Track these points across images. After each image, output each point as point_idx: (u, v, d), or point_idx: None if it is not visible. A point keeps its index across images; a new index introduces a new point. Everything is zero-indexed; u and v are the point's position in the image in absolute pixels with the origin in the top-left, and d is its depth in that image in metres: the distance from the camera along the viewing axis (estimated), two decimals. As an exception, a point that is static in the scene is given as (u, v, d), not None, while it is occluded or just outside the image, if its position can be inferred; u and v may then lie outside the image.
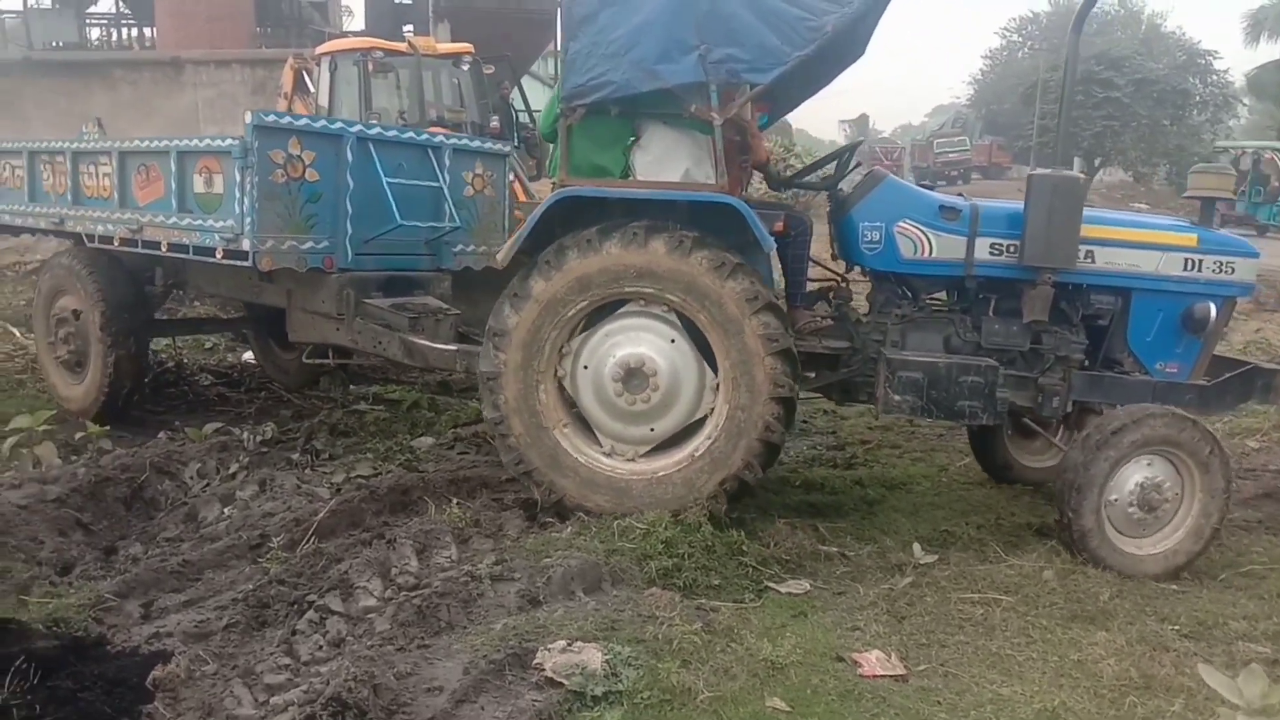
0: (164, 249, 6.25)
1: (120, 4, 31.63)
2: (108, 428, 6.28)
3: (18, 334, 9.22)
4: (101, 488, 5.18)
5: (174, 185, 6.11)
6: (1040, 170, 4.89)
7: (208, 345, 9.21)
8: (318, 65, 12.70)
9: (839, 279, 5.34)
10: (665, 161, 4.78)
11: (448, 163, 6.56)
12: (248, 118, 5.68)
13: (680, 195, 4.66)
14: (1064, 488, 4.55)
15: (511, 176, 7.64)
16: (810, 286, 5.32)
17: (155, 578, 4.27)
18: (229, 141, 5.75)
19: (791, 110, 6.17)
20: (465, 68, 12.80)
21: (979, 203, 5.01)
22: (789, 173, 5.82)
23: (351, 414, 6.90)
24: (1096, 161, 43.21)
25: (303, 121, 5.97)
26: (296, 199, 5.81)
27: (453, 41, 15.34)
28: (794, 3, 4.44)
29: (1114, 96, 39.32)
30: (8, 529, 4.61)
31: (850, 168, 5.57)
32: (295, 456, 5.88)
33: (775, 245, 4.73)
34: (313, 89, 12.89)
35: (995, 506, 5.46)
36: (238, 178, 5.64)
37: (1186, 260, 4.83)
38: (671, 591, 3.94)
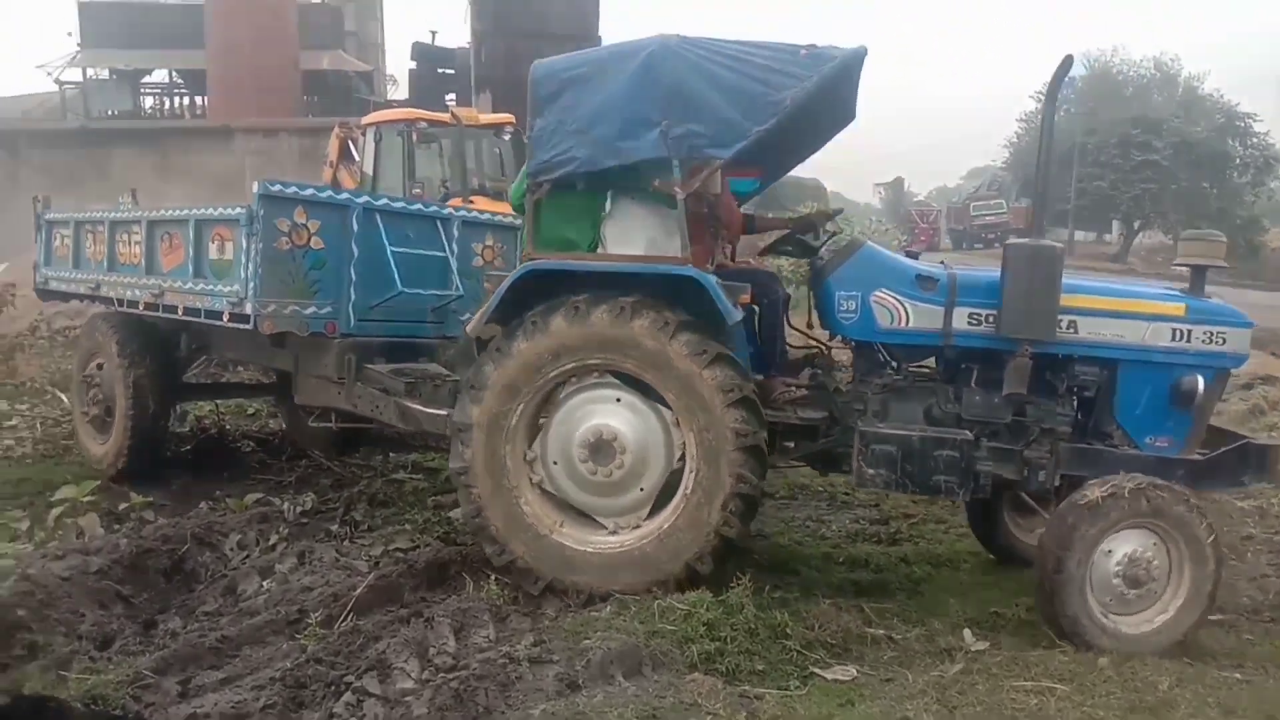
0: (180, 313, 6.50)
1: (173, 74, 32.72)
2: (150, 499, 6.33)
3: (65, 399, 9.38)
4: (143, 559, 5.20)
5: (191, 252, 6.36)
6: (1017, 240, 4.84)
7: (250, 411, 9.31)
8: (363, 135, 13.02)
9: (822, 347, 5.34)
10: (632, 234, 4.81)
11: (456, 234, 6.77)
12: (255, 187, 5.91)
13: (642, 268, 4.67)
14: (1043, 568, 4.41)
15: None
16: (795, 354, 5.32)
17: (193, 654, 4.25)
18: (238, 210, 5.97)
19: (785, 175, 6.19)
20: (507, 137, 13.08)
21: (957, 271, 4.95)
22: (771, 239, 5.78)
23: (391, 483, 6.91)
24: (1136, 224, 42.99)
25: (308, 191, 6.16)
26: (300, 265, 5.98)
27: (494, 111, 15.68)
28: (753, 78, 4.49)
29: (1153, 160, 39.18)
30: (50, 601, 4.62)
31: (830, 234, 5.57)
32: (334, 528, 5.89)
33: (740, 316, 4.64)
34: (358, 157, 13.19)
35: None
36: (244, 244, 5.86)
37: (1174, 330, 4.70)
38: (714, 678, 3.84)
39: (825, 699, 3.86)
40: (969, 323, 4.79)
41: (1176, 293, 4.87)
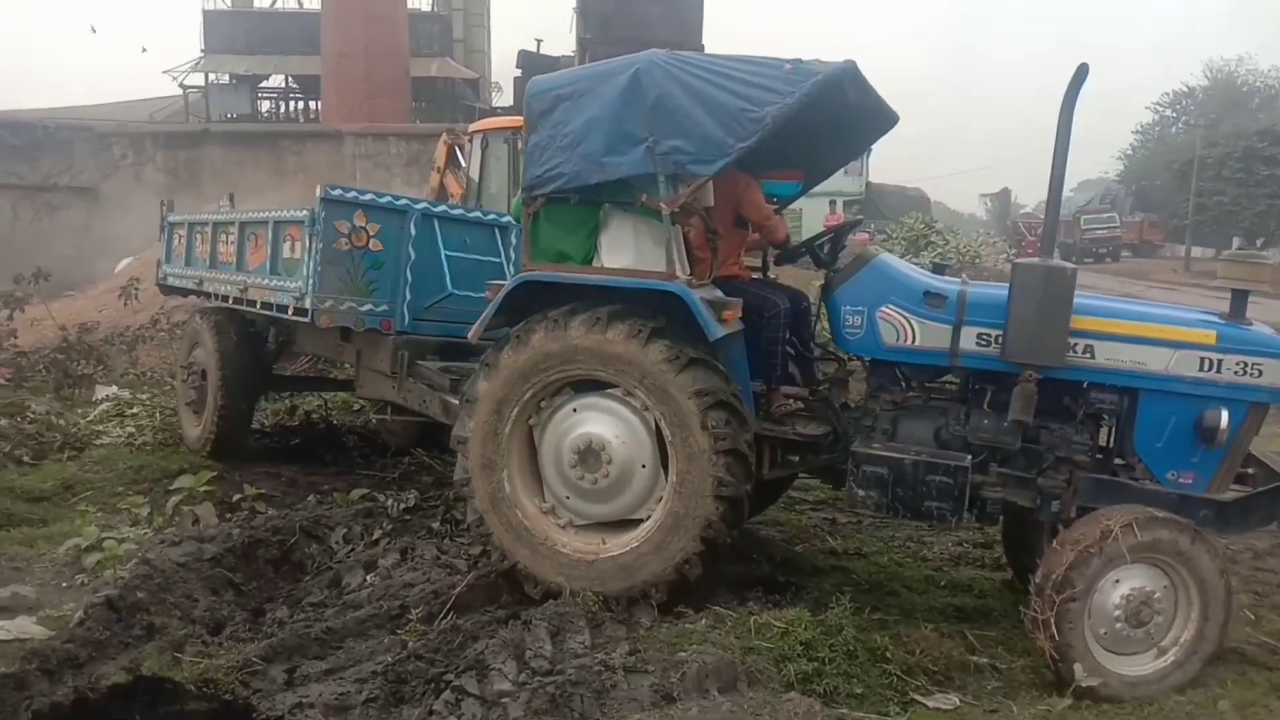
0: (258, 306, 7.08)
1: (289, 80, 33.94)
2: (262, 490, 6.56)
3: (181, 389, 9.79)
4: (253, 549, 5.39)
5: (269, 251, 6.89)
6: (1026, 259, 4.58)
7: (356, 407, 9.57)
8: (470, 141, 13.25)
9: (840, 362, 5.22)
10: (624, 247, 4.82)
11: (514, 240, 6.96)
12: (318, 191, 6.30)
13: (627, 282, 4.68)
14: (1039, 600, 4.11)
15: None
16: (827, 369, 5.23)
17: (299, 643, 4.38)
18: (303, 212, 6.39)
19: (827, 178, 6.08)
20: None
21: (969, 288, 4.73)
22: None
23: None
24: (1259, 242, 41.03)
25: (368, 196, 6.53)
26: (359, 265, 6.40)
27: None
28: (736, 94, 4.43)
29: (1279, 174, 37.36)
30: (167, 586, 4.82)
31: (843, 246, 5.37)
32: (436, 525, 5.99)
33: (721, 332, 4.51)
34: (464, 164, 13.43)
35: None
36: (308, 244, 6.30)
37: (1203, 360, 4.35)
38: (811, 699, 3.77)
39: (925, 727, 3.76)
40: (978, 343, 4.60)
41: (1214, 318, 4.54)
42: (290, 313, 6.61)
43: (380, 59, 25.95)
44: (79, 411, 9.34)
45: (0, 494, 6.68)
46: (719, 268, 4.99)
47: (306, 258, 6.34)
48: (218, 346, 7.50)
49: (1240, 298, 4.50)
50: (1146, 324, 4.49)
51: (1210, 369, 4.34)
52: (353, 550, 5.56)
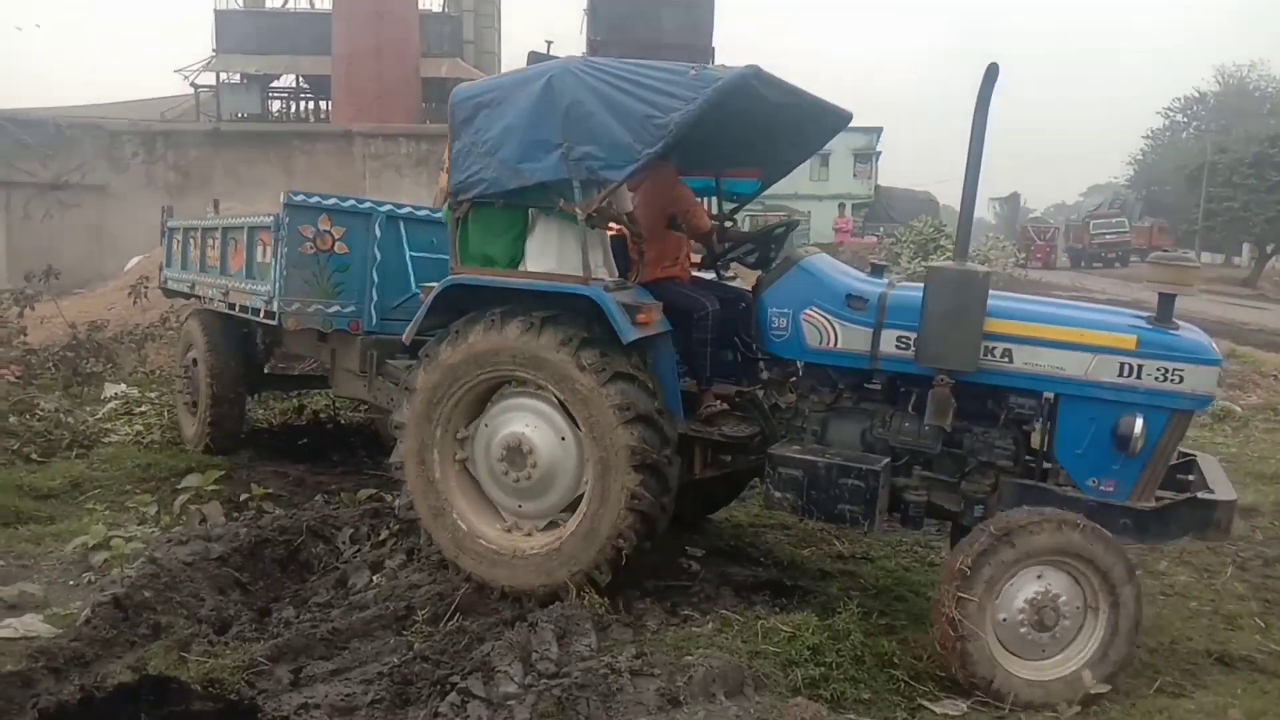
0: (236, 309, 7.32)
1: (300, 80, 34.00)
2: (269, 490, 6.56)
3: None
4: (260, 548, 5.39)
5: (246, 255, 7.12)
6: (939, 263, 4.56)
7: (364, 407, 9.56)
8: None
9: (780, 363, 5.17)
10: (547, 252, 4.90)
11: None
12: (282, 197, 6.50)
13: (544, 286, 4.75)
14: (944, 599, 4.04)
15: None
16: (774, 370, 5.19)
17: (305, 644, 4.38)
18: (269, 218, 6.59)
19: (785, 175, 6.12)
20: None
21: (890, 291, 4.70)
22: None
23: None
24: (1269, 248, 40.88)
25: (332, 200, 6.70)
26: (325, 268, 6.61)
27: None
28: (643, 101, 4.45)
29: (1289, 180, 37.19)
30: (174, 585, 4.83)
31: (784, 248, 5.38)
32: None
33: (635, 335, 4.54)
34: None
35: (1168, 629, 5.04)
36: (275, 248, 6.54)
37: (1123, 365, 4.24)
38: (818, 704, 3.76)
39: (933, 733, 3.74)
40: (897, 346, 4.58)
41: (1139, 322, 4.41)
42: (262, 315, 6.82)
43: (391, 60, 25.98)
44: (88, 409, 9.36)
45: (8, 491, 6.69)
46: (645, 270, 5.05)
47: (274, 262, 6.55)
48: (208, 347, 7.72)
49: (1167, 301, 4.38)
50: (1066, 328, 4.40)
51: (1130, 374, 4.24)
52: (359, 550, 5.56)
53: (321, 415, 9.21)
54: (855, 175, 52.01)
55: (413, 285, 6.70)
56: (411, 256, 6.81)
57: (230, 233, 7.56)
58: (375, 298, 6.71)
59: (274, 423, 9.26)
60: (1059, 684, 4.04)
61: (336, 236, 6.61)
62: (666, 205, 5.25)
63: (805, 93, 5.00)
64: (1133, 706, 4.05)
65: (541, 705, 3.69)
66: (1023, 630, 4.06)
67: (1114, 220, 48.00)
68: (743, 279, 5.82)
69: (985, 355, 4.40)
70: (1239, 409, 10.62)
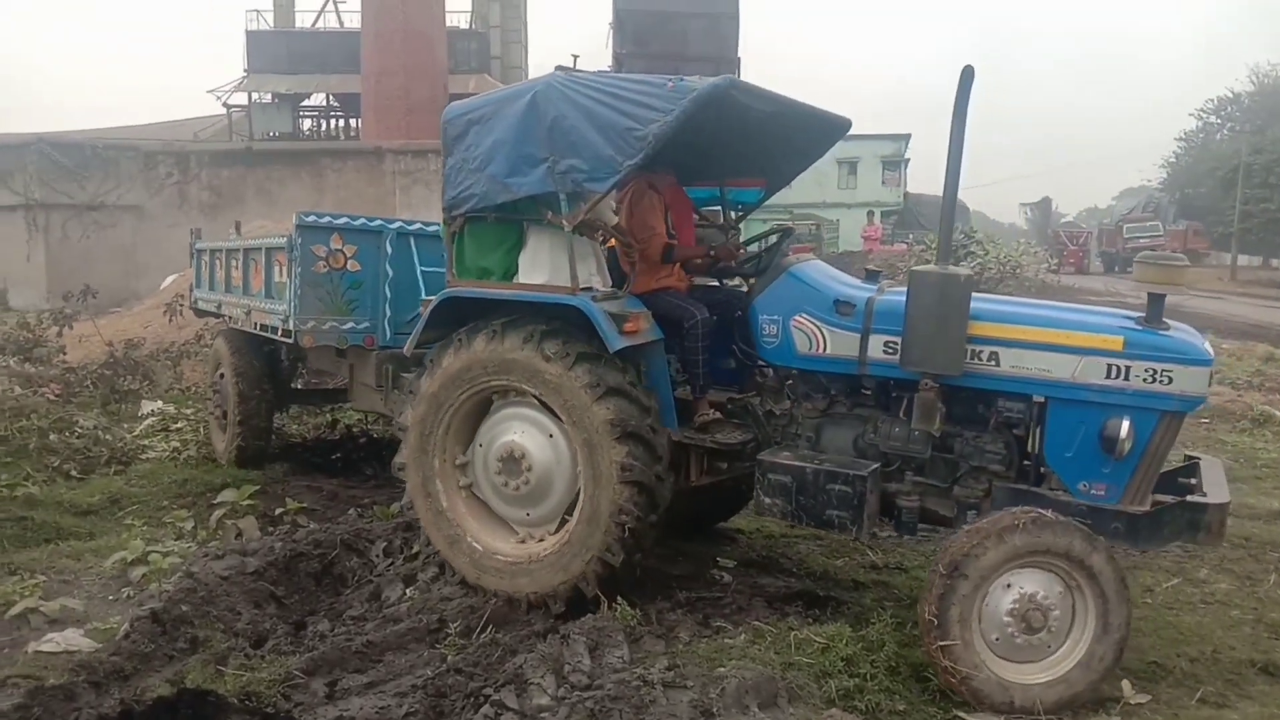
0: (258, 328, 7.49)
1: (330, 98, 34.43)
2: (304, 504, 6.63)
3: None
4: (295, 562, 5.44)
5: (265, 276, 7.33)
6: (922, 266, 4.49)
7: (383, 421, 9.65)
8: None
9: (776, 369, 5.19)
10: (540, 264, 4.97)
11: None
12: (294, 218, 6.69)
13: (533, 297, 4.84)
14: (928, 600, 3.98)
15: None
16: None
17: (340, 657, 4.41)
18: (283, 239, 6.78)
19: (788, 183, 6.18)
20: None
21: (878, 296, 4.68)
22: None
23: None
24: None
25: (343, 220, 6.87)
26: (338, 286, 6.80)
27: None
28: (623, 113, 4.49)
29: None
30: (211, 599, 4.88)
31: (780, 256, 5.31)
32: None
33: (621, 344, 4.59)
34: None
35: (1210, 637, 4.95)
36: (289, 268, 6.74)
37: (1110, 366, 4.15)
38: (853, 715, 3.74)
39: (970, 744, 3.70)
40: (884, 351, 4.57)
41: (1128, 323, 4.32)
42: (280, 334, 6.98)
43: (419, 77, 26.26)
44: (125, 426, 9.51)
45: (49, 508, 6.80)
46: (640, 280, 5.14)
47: (289, 281, 6.73)
48: (235, 365, 7.89)
49: (1157, 301, 4.28)
50: (1052, 330, 4.33)
51: (1118, 376, 4.16)
52: (392, 564, 5.59)
53: (354, 429, 9.29)
54: (884, 182, 51.73)
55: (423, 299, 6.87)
56: (423, 272, 6.94)
57: (251, 254, 7.76)
58: (389, 313, 6.88)
59: (307, 437, 9.36)
60: (1044, 688, 3.97)
61: (349, 255, 6.80)
62: (634, 220, 5.27)
63: (794, 101, 5.06)
64: (1174, 716, 3.99)
65: (574, 717, 3.69)
66: (1010, 631, 3.99)
67: (1147, 224, 47.38)
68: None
69: (971, 359, 4.38)
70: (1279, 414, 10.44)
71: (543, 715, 3.78)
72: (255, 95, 31.94)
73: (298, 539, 5.73)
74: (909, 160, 53.55)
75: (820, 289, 4.86)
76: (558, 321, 4.75)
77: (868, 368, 4.66)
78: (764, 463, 4.64)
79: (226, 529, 6.27)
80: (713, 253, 5.54)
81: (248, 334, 7.95)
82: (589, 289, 4.84)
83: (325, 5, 35.51)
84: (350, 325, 6.84)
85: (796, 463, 4.58)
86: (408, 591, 5.23)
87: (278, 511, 6.55)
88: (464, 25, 34.21)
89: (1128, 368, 4.14)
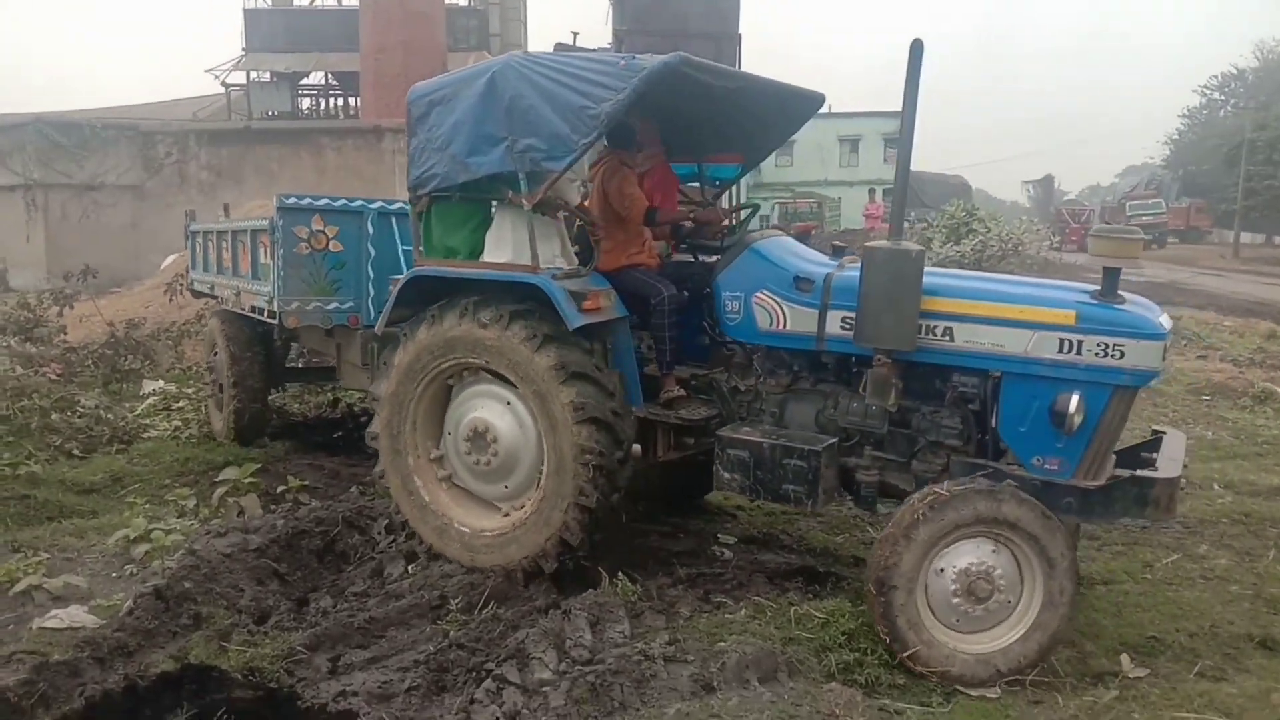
0: (247, 309, 7.66)
1: (329, 77, 34.22)
2: (306, 482, 6.64)
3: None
4: (298, 539, 5.46)
5: (251, 258, 7.49)
6: (875, 242, 4.49)
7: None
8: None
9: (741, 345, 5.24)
10: (504, 242, 5.06)
11: None
12: (275, 200, 6.79)
13: (495, 275, 4.92)
14: (873, 569, 4.03)
15: None
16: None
17: (343, 632, 4.44)
18: (265, 221, 6.90)
19: (765, 157, 6.31)
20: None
21: (837, 272, 4.71)
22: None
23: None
24: (1312, 226, 40.07)
25: (323, 201, 6.95)
26: (321, 267, 6.91)
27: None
28: (579, 92, 4.54)
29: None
30: (213, 576, 4.91)
31: (744, 232, 5.43)
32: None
33: (581, 321, 4.66)
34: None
35: (1209, 612, 4.97)
36: (272, 250, 6.88)
37: (1062, 341, 4.14)
38: (853, 689, 3.76)
39: (969, 718, 3.73)
40: (842, 327, 4.61)
41: (1083, 296, 4.28)
42: (265, 314, 7.10)
43: (418, 54, 26.03)
44: (127, 406, 9.52)
45: (52, 486, 6.82)
46: (608, 258, 5.19)
47: (272, 263, 6.85)
48: (228, 345, 7.99)
49: (1112, 274, 4.24)
50: (1005, 304, 4.33)
51: (1070, 350, 4.14)
52: (394, 541, 5.60)
53: (355, 408, 9.30)
54: (886, 160, 51.56)
55: None
56: (405, 251, 7.02)
57: (238, 236, 7.86)
58: (372, 293, 6.98)
59: (309, 416, 9.37)
60: (995, 656, 4.01)
61: (330, 236, 6.90)
62: (609, 196, 5.29)
63: (757, 76, 5.14)
64: (1173, 690, 4.00)
65: (576, 691, 3.72)
66: (955, 601, 4.02)
67: (1150, 201, 47.24)
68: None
69: (926, 334, 4.39)
70: (1280, 390, 10.44)
71: (544, 689, 3.81)
72: (253, 74, 31.72)
73: (300, 516, 5.75)
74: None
75: (781, 265, 4.90)
76: (530, 302, 4.77)
77: (825, 344, 4.71)
78: (722, 438, 4.69)
79: (229, 507, 6.29)
80: (693, 216, 5.61)
81: (240, 314, 8.02)
82: (550, 268, 4.88)
83: (323, -18, 35.29)
84: (334, 305, 6.97)
85: (753, 438, 4.63)
86: (409, 568, 5.25)
87: (280, 489, 6.57)
88: (463, 2, 33.98)
89: (1080, 342, 4.12)
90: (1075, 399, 4.05)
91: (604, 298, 4.84)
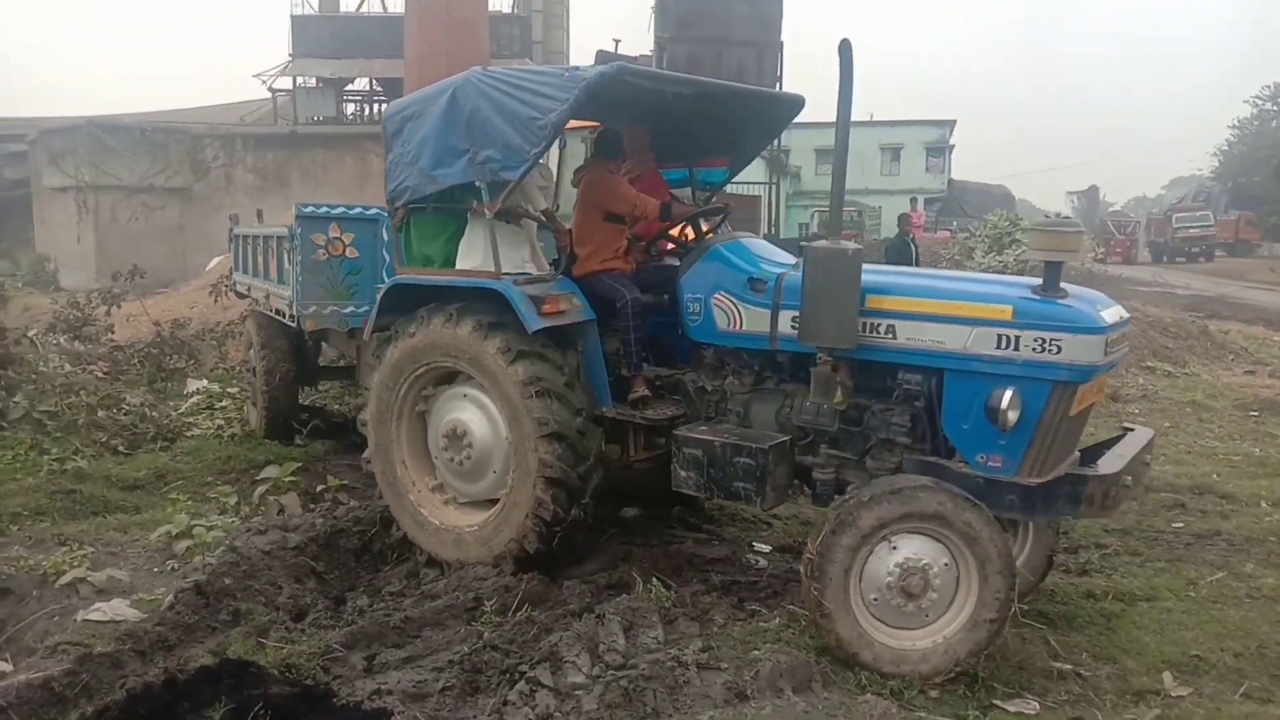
0: (274, 312, 8.01)
1: (373, 83, 34.60)
2: (344, 482, 6.71)
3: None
4: (335, 538, 5.53)
5: (277, 263, 7.86)
6: (815, 242, 4.47)
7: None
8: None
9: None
10: (474, 251, 5.26)
11: None
12: (294, 209, 7.09)
13: (460, 282, 5.15)
14: (808, 564, 4.03)
15: None
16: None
17: (379, 631, 4.47)
18: (285, 228, 7.23)
19: (750, 161, 6.41)
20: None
21: (790, 272, 4.74)
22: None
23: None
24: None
25: (339, 209, 7.22)
26: (338, 272, 7.24)
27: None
28: (528, 104, 4.72)
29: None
30: (253, 573, 4.97)
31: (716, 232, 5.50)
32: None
33: (541, 324, 4.80)
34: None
35: (1256, 632, 4.86)
36: (292, 257, 7.19)
37: (1000, 337, 4.09)
38: (887, 701, 3.72)
39: (1006, 733, 3.67)
40: (791, 327, 4.64)
41: (1025, 291, 4.21)
42: (287, 318, 7.37)
43: (461, 62, 26.09)
44: (171, 404, 9.69)
45: (97, 482, 6.96)
46: (584, 263, 5.35)
47: (292, 268, 7.13)
48: (261, 345, 8.24)
49: (1053, 269, 4.17)
50: (945, 301, 4.31)
51: (1008, 346, 4.08)
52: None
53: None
54: (927, 169, 51.17)
55: None
56: None
57: (266, 241, 8.17)
58: None
59: (349, 416, 9.45)
60: (928, 653, 3.99)
61: (347, 242, 7.17)
62: (602, 200, 5.39)
63: (707, 81, 5.32)
64: (1217, 710, 3.91)
65: (609, 696, 3.72)
66: (888, 596, 4.01)
67: (1198, 213, 46.36)
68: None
69: (870, 332, 4.42)
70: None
71: (577, 693, 3.82)
72: (299, 79, 32.14)
73: (338, 516, 5.82)
74: (953, 146, 52.87)
75: (737, 267, 4.99)
76: (509, 312, 4.89)
77: (778, 343, 4.76)
78: (678, 437, 4.78)
79: (269, 505, 6.37)
80: (714, 202, 5.82)
81: (270, 315, 8.28)
82: (524, 273, 5.12)
83: (369, -10, 35.69)
84: (350, 309, 7.22)
85: (705, 437, 4.70)
86: (444, 569, 5.27)
87: (319, 488, 6.65)
88: (506, 9, 34.21)
89: (1017, 337, 4.07)
90: (1009, 395, 4.01)
91: (564, 301, 4.99)
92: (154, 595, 5.00)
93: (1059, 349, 3.99)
